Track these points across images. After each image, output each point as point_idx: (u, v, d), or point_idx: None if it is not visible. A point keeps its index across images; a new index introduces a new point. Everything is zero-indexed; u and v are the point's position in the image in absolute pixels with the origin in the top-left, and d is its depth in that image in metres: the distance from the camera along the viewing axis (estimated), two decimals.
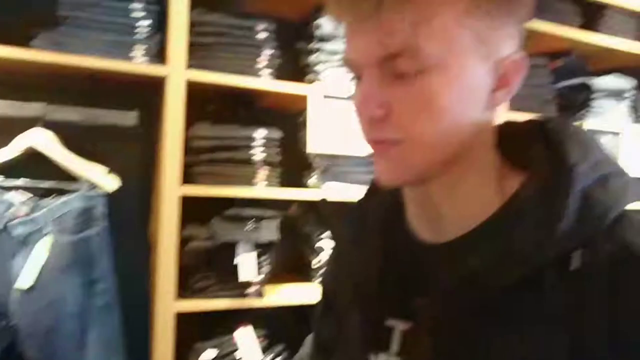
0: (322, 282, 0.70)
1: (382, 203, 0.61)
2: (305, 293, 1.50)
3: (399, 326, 0.54)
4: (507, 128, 0.55)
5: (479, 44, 0.46)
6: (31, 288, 1.18)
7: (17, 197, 1.22)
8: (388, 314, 0.55)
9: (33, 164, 1.27)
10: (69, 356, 1.23)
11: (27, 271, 1.18)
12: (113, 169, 1.36)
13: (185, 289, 1.41)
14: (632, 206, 0.48)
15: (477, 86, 0.47)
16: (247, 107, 1.56)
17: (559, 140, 0.50)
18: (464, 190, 0.51)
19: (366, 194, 0.64)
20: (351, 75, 0.51)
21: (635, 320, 0.42)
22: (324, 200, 0.72)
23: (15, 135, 1.25)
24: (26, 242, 1.20)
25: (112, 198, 1.32)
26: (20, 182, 1.25)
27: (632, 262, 0.44)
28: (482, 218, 0.51)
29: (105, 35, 1.31)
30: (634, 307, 0.42)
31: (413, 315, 0.52)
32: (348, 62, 0.49)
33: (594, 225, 0.45)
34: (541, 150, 0.51)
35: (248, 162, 1.48)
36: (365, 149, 0.51)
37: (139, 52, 1.33)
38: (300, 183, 1.62)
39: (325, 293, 0.68)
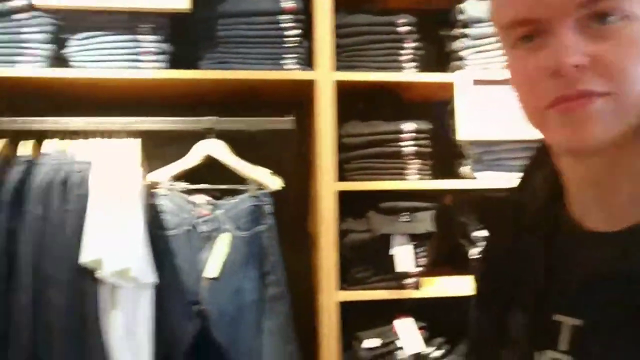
0: (475, 279, 0.66)
1: (540, 191, 0.57)
2: (463, 285, 1.47)
3: (568, 322, 0.50)
4: None
5: None
6: (217, 278, 1.35)
7: (200, 199, 1.41)
8: (554, 309, 0.52)
9: (208, 170, 1.45)
10: (249, 342, 1.36)
11: (212, 263, 1.35)
12: (274, 171, 1.48)
13: (345, 280, 1.47)
14: None
15: None
16: (394, 102, 1.58)
17: None
18: None
19: (520, 183, 0.60)
20: (511, 39, 0.47)
21: None
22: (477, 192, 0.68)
23: (190, 147, 1.44)
24: (210, 238, 1.38)
25: (275, 197, 1.44)
26: (202, 185, 1.43)
27: None
28: None
29: (260, 49, 1.44)
30: None
31: (583, 311, 0.49)
32: (525, 20, 0.45)
33: None
34: None
35: (399, 155, 1.50)
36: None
37: (289, 60, 1.44)
38: (453, 173, 1.59)
39: (479, 291, 0.65)
